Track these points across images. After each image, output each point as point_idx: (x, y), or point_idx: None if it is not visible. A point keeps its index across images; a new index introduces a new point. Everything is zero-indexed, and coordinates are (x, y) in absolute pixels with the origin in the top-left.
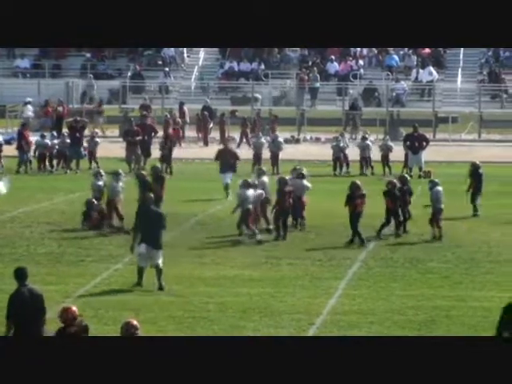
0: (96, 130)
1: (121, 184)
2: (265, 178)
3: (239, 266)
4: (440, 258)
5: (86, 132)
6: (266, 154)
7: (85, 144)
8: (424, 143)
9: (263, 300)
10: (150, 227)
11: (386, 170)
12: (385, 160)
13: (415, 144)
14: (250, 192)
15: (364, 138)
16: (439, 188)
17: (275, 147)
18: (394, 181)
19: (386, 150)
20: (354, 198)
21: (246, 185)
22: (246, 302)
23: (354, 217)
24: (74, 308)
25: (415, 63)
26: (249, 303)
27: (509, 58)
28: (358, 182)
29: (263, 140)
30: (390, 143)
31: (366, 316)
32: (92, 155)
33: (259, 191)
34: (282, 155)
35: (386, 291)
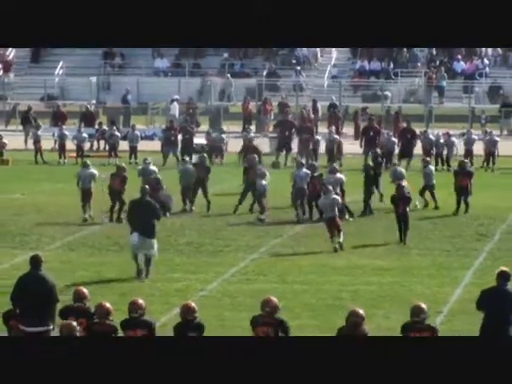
0: None
1: None
2: None
3: (370, 256)
4: None
5: None
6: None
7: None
8: None
9: (393, 289)
10: (142, 217)
11: None
12: None
13: None
14: None
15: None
16: None
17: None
18: None
19: None
20: None
21: None
22: (377, 291)
23: None
24: (108, 305)
25: None
26: (379, 291)
27: None
28: None
29: (393, 139)
30: None
31: None
32: None
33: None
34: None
35: None
